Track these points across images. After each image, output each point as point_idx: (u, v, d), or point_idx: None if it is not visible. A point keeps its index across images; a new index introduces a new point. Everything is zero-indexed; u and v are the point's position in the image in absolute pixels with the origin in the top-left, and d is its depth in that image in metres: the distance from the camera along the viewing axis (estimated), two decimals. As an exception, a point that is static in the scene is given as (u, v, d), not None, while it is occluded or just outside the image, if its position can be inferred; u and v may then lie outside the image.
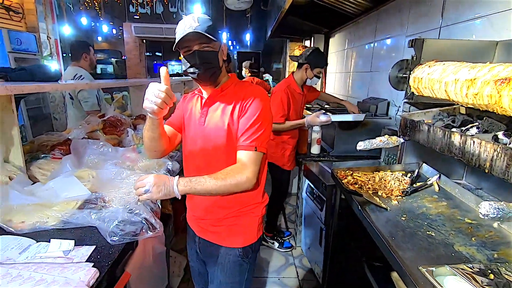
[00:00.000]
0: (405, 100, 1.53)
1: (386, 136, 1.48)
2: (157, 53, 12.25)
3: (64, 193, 1.08)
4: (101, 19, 7.16)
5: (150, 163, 1.40)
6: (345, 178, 1.54)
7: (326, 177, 1.89)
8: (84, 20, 6.76)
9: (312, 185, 2.07)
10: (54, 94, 4.53)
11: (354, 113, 2.36)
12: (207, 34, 0.94)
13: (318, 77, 2.26)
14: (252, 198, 1.11)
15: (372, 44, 2.92)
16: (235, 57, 6.97)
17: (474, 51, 1.36)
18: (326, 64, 2.25)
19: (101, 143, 1.46)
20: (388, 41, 2.58)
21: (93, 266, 0.75)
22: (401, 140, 1.47)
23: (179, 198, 0.93)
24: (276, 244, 2.54)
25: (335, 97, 2.68)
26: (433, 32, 1.86)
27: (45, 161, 1.33)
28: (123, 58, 10.44)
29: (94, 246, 0.86)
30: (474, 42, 1.43)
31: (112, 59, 9.83)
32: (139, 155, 1.47)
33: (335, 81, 4.23)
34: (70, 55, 2.78)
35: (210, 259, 1.16)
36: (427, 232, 1.05)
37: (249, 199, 1.11)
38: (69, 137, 1.57)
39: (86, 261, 0.80)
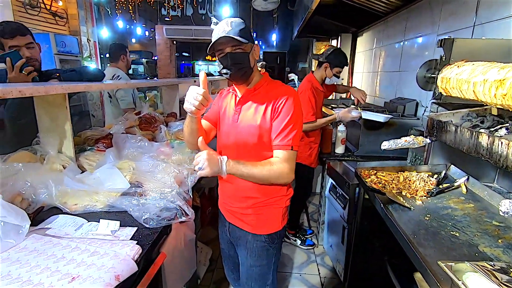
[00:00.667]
0: (433, 101, 1.52)
1: (412, 136, 1.47)
2: (184, 53, 12.64)
3: (108, 183, 1.21)
4: (135, 22, 7.56)
5: (182, 157, 1.51)
6: (369, 177, 1.56)
7: (349, 177, 1.91)
8: (120, 23, 7.17)
9: (335, 184, 2.09)
10: (92, 93, 4.88)
11: (358, 99, 2.37)
12: (238, 37, 1.00)
13: (337, 77, 2.27)
14: (277, 190, 1.19)
15: (401, 43, 2.87)
16: (261, 57, 7.06)
17: (508, 51, 1.32)
18: (346, 65, 2.25)
19: (138, 137, 1.60)
20: (418, 40, 2.52)
21: (136, 244, 0.86)
22: (428, 140, 1.46)
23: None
24: (298, 242, 2.58)
25: (344, 85, 2.69)
26: (466, 31, 1.81)
27: (91, 153, 1.48)
28: (153, 58, 10.93)
29: (136, 228, 0.97)
30: (509, 41, 1.39)
31: (143, 59, 10.33)
32: (172, 150, 1.59)
33: (362, 80, 4.17)
34: (108, 56, 2.99)
35: (239, 243, 1.25)
36: (451, 232, 1.06)
37: (275, 191, 1.19)
38: (111, 132, 1.72)
39: (130, 239, 0.90)
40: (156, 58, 10.14)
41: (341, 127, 2.38)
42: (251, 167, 1.03)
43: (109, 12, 6.69)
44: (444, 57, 1.41)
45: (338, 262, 2.06)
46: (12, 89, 1.01)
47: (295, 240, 2.59)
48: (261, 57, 7.17)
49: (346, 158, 2.35)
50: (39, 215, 1.03)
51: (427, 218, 1.16)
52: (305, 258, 2.44)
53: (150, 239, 0.92)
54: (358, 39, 4.54)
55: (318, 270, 2.27)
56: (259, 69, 1.24)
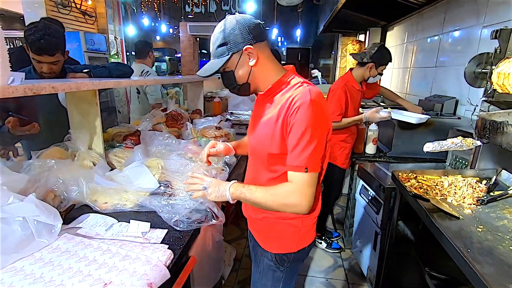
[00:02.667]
0: (484, 99, 1.38)
1: (460, 137, 1.34)
2: (203, 51, 12.70)
3: (137, 182, 1.19)
4: (159, 19, 7.67)
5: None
6: (408, 181, 1.45)
7: (383, 179, 1.79)
8: (145, 21, 7.31)
9: (367, 187, 1.98)
10: (119, 89, 5.00)
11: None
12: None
13: (381, 74, 2.14)
14: None
15: (438, 37, 2.67)
16: (284, 53, 6.93)
17: None
18: (391, 61, 2.11)
19: (166, 135, 1.58)
20: (458, 33, 2.33)
21: (168, 248, 0.82)
22: (478, 142, 1.32)
23: (231, 202, 0.96)
24: (324, 244, 2.49)
25: (396, 95, 2.51)
26: (519, 21, 1.63)
27: (119, 150, 1.48)
28: (175, 56, 11.09)
29: (166, 230, 0.93)
30: None
31: (166, 57, 10.53)
32: (199, 148, 1.55)
33: (392, 77, 3.96)
34: (135, 53, 3.04)
35: (253, 250, 1.17)
36: (510, 247, 0.94)
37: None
38: (138, 129, 1.71)
39: (161, 242, 0.87)
40: (178, 55, 10.30)
41: (372, 126, 2.25)
42: (254, 192, 0.92)
43: (135, 10, 6.82)
44: (499, 50, 1.27)
45: (369, 270, 1.95)
46: (45, 85, 1.00)
47: (321, 243, 2.50)
48: (284, 54, 7.05)
49: (377, 159, 2.23)
50: (70, 213, 1.02)
51: (480, 230, 1.04)
52: (331, 262, 2.34)
53: (181, 243, 0.88)
54: (388, 33, 4.32)
55: (346, 276, 2.17)
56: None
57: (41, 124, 1.49)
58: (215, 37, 0.91)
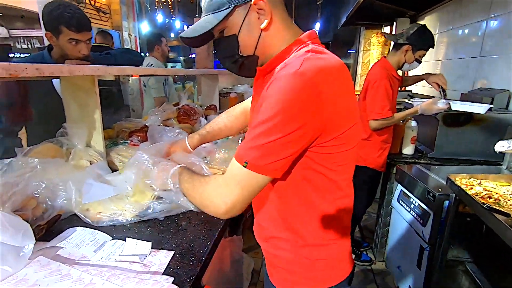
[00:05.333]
0: None
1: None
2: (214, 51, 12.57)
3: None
4: (173, 16, 7.57)
5: (228, 156, 1.24)
6: (471, 188, 1.17)
7: (431, 184, 1.51)
8: (159, 18, 7.22)
9: (408, 192, 1.69)
10: (133, 87, 4.89)
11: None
12: (207, 15, 0.65)
13: (419, 62, 1.85)
14: (308, 231, 0.69)
15: (483, 23, 2.34)
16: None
17: None
18: (433, 46, 1.81)
19: (177, 130, 1.37)
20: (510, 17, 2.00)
21: (173, 282, 0.59)
22: None
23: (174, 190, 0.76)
24: (352, 255, 2.22)
25: (413, 76, 2.21)
26: None
27: (123, 147, 1.27)
28: (190, 56, 11.04)
29: (172, 253, 0.71)
30: None
31: (181, 57, 10.54)
32: (215, 146, 1.33)
33: (422, 71, 3.62)
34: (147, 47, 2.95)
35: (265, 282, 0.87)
36: None
37: (302, 224, 0.69)
38: (146, 124, 1.51)
39: (164, 271, 0.64)
40: (193, 55, 10.25)
41: (412, 123, 1.96)
42: (185, 181, 0.72)
43: (149, 8, 6.73)
44: None
45: (411, 290, 1.67)
46: (27, 66, 0.80)
47: (348, 254, 2.23)
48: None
49: (417, 160, 1.94)
50: (55, 226, 0.81)
51: None
52: (361, 277, 2.07)
53: (191, 273, 0.65)
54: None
55: (380, 294, 1.90)
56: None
57: (35, 117, 1.32)
58: None
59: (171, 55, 10.29)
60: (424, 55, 1.81)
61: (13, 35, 5.74)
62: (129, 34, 5.63)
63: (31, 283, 0.57)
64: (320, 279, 0.72)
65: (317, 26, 6.42)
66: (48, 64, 0.91)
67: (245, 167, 0.56)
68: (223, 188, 0.60)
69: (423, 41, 1.75)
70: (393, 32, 4.28)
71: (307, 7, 5.98)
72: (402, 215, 1.75)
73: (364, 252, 2.28)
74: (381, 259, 2.19)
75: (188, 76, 4.91)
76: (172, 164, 0.81)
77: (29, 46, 5.86)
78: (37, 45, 5.81)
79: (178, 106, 1.84)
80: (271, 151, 0.55)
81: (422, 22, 3.83)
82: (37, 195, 0.80)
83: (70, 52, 1.35)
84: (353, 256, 2.19)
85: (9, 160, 0.87)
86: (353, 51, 6.41)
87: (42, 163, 0.88)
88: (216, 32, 0.67)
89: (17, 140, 1.51)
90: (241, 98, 3.13)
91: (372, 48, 4.92)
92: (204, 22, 0.64)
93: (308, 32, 0.70)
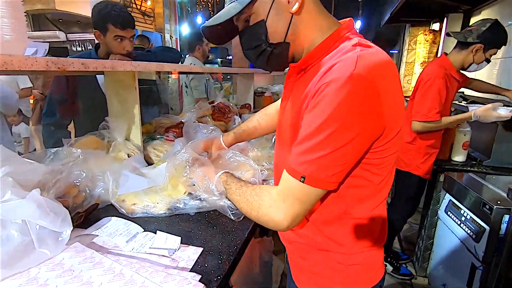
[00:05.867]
0: None
1: None
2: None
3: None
4: (213, 18, 7.78)
5: (261, 155, 1.21)
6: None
7: (486, 195, 1.34)
8: (199, 20, 7.46)
9: (458, 203, 1.53)
10: (172, 87, 5.09)
11: None
12: (231, 2, 0.59)
13: (489, 61, 1.63)
14: (342, 239, 0.65)
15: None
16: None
17: None
18: (505, 43, 1.59)
19: (211, 127, 1.37)
20: None
21: (200, 280, 0.57)
22: None
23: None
24: (390, 268, 2.07)
25: (491, 84, 1.97)
26: None
27: (159, 142, 1.31)
28: (227, 58, 11.27)
29: (201, 249, 0.69)
30: None
31: (218, 59, 10.79)
32: (248, 145, 1.31)
33: (476, 72, 3.28)
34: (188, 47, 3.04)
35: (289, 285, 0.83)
36: None
37: (337, 237, 0.65)
38: (182, 120, 1.54)
39: (192, 267, 0.63)
40: (230, 57, 10.42)
41: (465, 127, 1.77)
42: (235, 190, 0.69)
43: (189, 10, 6.98)
44: None
45: (459, 312, 1.50)
46: (73, 60, 0.84)
47: (385, 265, 2.08)
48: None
49: (469, 168, 1.75)
50: (92, 214, 0.84)
51: None
52: (400, 292, 1.92)
53: (219, 273, 0.62)
54: (473, 19, 3.61)
55: (422, 313, 1.74)
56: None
57: (82, 111, 1.40)
58: None
59: (211, 57, 10.58)
60: (495, 53, 1.60)
61: (70, 39, 6.30)
62: (170, 36, 5.89)
63: (66, 267, 0.59)
64: (353, 283, 0.68)
65: (358, 24, 6.15)
66: (93, 60, 0.95)
67: (302, 181, 0.53)
68: (281, 204, 0.57)
69: (497, 38, 1.56)
70: (443, 28, 3.94)
71: (348, 6, 5.76)
72: (450, 228, 1.58)
73: (404, 265, 2.11)
74: (422, 274, 2.01)
75: (227, 77, 5.00)
76: (216, 170, 0.80)
77: (83, 48, 6.40)
78: (90, 47, 6.32)
79: (213, 104, 1.86)
80: (328, 164, 0.52)
81: (477, 18, 3.49)
82: (78, 184, 0.84)
83: (115, 49, 1.42)
84: (391, 268, 2.06)
85: (55, 149, 0.92)
86: (396, 51, 6.05)
87: (85, 153, 0.93)
88: (241, 22, 0.63)
89: (67, 133, 1.62)
90: (275, 97, 3.10)
91: (418, 47, 4.57)
92: (228, 9, 0.60)
93: (346, 21, 0.64)
